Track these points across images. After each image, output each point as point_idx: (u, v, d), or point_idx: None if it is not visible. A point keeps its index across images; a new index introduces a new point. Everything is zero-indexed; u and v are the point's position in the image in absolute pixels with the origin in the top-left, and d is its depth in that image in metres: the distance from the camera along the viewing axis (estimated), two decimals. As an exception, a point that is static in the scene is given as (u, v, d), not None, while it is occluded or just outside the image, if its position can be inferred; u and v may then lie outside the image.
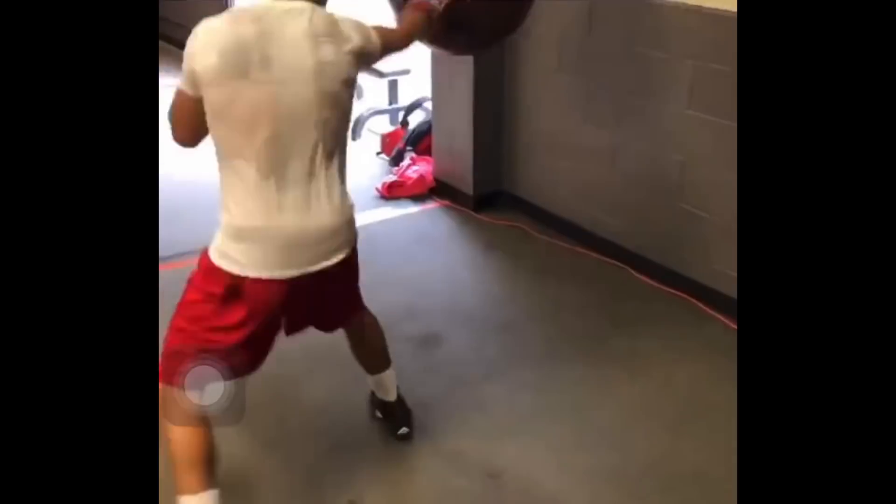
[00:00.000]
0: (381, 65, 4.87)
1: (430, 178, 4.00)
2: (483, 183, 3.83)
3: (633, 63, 3.06)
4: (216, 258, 1.75)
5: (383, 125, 4.89)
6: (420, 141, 4.23)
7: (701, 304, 2.99)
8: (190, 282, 1.82)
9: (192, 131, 1.76)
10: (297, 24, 1.67)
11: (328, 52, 1.69)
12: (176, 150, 1.87)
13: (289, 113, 1.68)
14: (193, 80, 1.65)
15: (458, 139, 3.83)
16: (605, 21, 3.14)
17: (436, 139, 4.01)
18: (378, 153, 4.54)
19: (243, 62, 1.62)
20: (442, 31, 2.29)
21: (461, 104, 3.70)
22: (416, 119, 4.58)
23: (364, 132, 4.82)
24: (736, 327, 2.82)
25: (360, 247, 1.95)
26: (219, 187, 1.77)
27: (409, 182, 3.98)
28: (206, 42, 1.63)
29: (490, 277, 3.35)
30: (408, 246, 3.55)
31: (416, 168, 4.06)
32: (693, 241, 3.03)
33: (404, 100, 4.93)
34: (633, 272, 3.23)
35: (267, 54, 1.64)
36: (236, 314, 1.76)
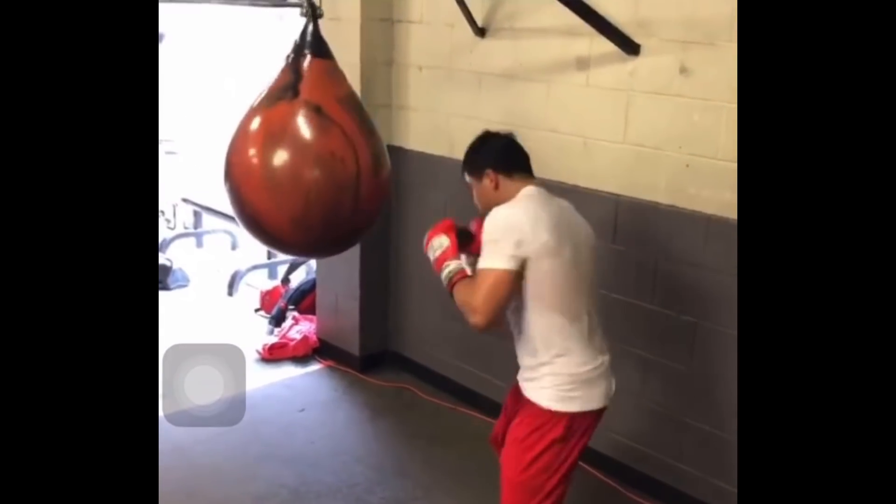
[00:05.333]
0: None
1: (314, 338, 3.88)
2: (370, 343, 3.75)
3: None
4: (554, 404, 1.95)
5: (261, 280, 4.77)
6: (302, 299, 4.13)
7: (595, 472, 2.98)
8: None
9: (503, 309, 1.93)
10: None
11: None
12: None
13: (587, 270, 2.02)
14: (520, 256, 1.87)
15: (343, 298, 3.75)
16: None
17: (320, 298, 3.92)
18: (256, 310, 4.39)
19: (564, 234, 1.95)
20: None
21: (347, 261, 3.62)
22: (297, 277, 4.49)
23: (242, 287, 4.68)
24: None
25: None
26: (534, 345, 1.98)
27: (293, 343, 3.84)
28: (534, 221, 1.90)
29: (380, 448, 3.20)
30: (292, 415, 3.37)
31: (298, 328, 3.93)
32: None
33: (283, 255, 4.85)
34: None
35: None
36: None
